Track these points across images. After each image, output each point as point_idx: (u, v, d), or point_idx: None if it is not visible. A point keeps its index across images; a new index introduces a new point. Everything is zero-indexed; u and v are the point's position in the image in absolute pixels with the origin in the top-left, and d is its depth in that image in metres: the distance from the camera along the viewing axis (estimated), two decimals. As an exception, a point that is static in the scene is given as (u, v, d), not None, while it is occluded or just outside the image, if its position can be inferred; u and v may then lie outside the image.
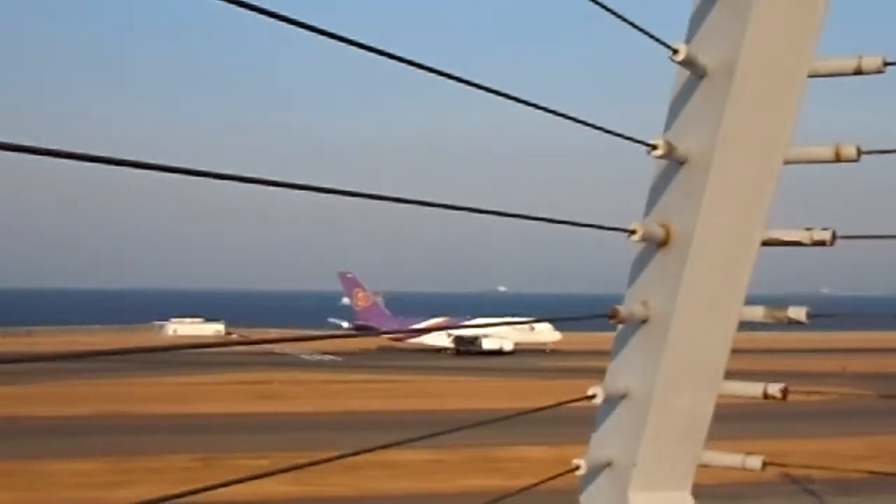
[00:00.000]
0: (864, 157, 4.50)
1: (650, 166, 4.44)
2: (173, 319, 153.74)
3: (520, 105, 3.83)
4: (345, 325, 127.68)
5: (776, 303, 4.69)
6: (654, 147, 4.17)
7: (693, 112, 4.29)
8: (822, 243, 4.50)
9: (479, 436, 42.06)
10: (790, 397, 4.78)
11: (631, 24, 3.89)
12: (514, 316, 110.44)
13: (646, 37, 3.98)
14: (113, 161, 2.49)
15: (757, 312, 4.66)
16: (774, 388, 4.65)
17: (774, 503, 37.66)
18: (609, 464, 4.61)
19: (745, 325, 4.72)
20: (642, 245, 4.44)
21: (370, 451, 4.06)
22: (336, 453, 4.01)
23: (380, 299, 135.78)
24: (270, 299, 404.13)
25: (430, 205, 3.66)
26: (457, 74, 3.50)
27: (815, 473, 40.44)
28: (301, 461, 3.93)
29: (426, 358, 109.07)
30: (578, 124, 4.22)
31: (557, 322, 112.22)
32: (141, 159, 2.53)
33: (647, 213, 4.45)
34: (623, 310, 4.43)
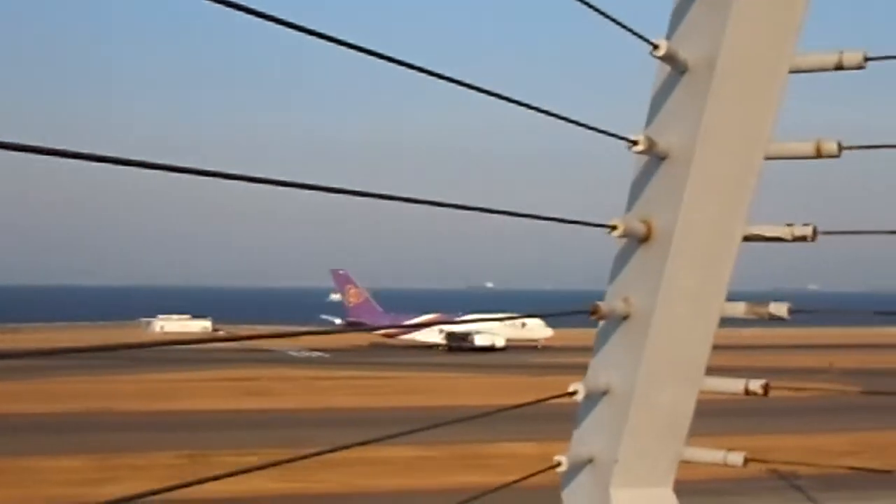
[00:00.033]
0: (844, 152, 4.50)
1: (631, 162, 4.43)
2: (160, 316, 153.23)
3: (503, 102, 3.82)
4: (337, 321, 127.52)
5: (764, 299, 4.68)
6: (635, 143, 4.16)
7: (674, 108, 4.28)
8: (803, 239, 4.50)
9: (466, 432, 42.14)
10: (774, 393, 4.79)
11: (612, 19, 3.87)
12: (501, 312, 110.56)
13: (627, 33, 3.97)
14: (92, 157, 2.47)
15: (738, 308, 4.66)
16: (756, 385, 4.65)
17: (757, 499, 37.81)
18: (591, 460, 4.60)
19: (728, 322, 4.72)
20: (624, 241, 4.43)
21: (347, 447, 4.04)
22: (314, 450, 3.99)
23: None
24: (257, 296, 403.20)
25: (416, 202, 3.64)
26: (442, 73, 3.48)
27: (801, 469, 40.64)
28: (281, 458, 3.92)
29: (417, 354, 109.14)
30: (560, 121, 4.20)
31: (538, 318, 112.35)
32: (128, 157, 2.53)
33: (629, 208, 4.44)
34: (604, 306, 4.41)
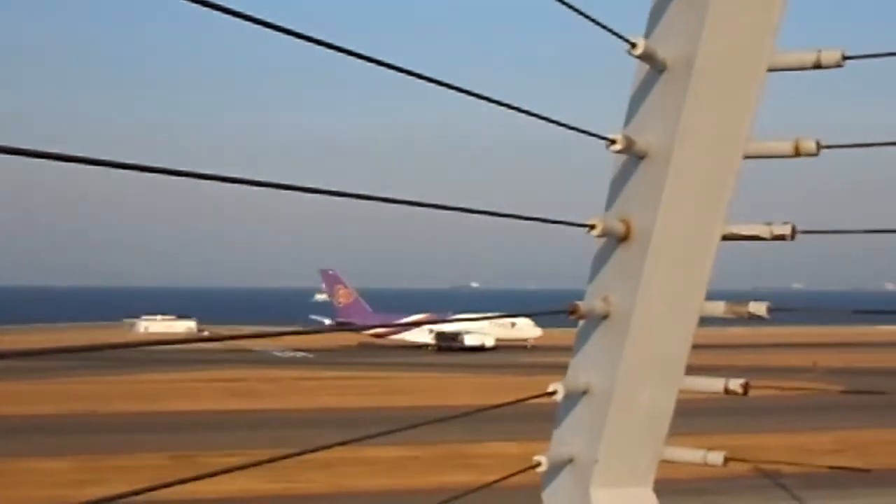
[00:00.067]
0: (823, 151, 4.51)
1: (610, 161, 4.43)
2: (145, 317, 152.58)
3: (483, 102, 3.81)
4: (327, 322, 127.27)
5: (748, 298, 4.69)
6: (613, 142, 4.15)
7: (652, 106, 4.27)
8: (782, 238, 4.50)
9: (453, 432, 42.18)
10: (756, 392, 4.79)
11: (590, 18, 3.87)
12: (486, 312, 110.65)
13: (605, 32, 3.96)
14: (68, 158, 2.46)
15: (718, 308, 4.66)
16: (735, 384, 4.65)
17: (739, 498, 37.91)
18: (570, 460, 4.59)
19: (710, 321, 4.72)
20: (603, 240, 4.43)
21: (327, 447, 4.03)
22: (295, 450, 3.98)
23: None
24: (242, 296, 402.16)
25: (397, 202, 3.62)
26: (422, 73, 3.47)
27: (784, 468, 40.79)
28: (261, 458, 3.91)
29: (406, 355, 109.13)
30: (540, 120, 4.20)
31: (526, 318, 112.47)
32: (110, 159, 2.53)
33: (608, 208, 4.44)
34: (583, 305, 4.41)
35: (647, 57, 4.11)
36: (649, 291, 4.35)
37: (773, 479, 40.30)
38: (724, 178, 4.38)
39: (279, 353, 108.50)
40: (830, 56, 4.33)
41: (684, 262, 4.41)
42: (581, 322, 4.54)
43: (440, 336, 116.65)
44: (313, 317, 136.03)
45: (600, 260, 4.47)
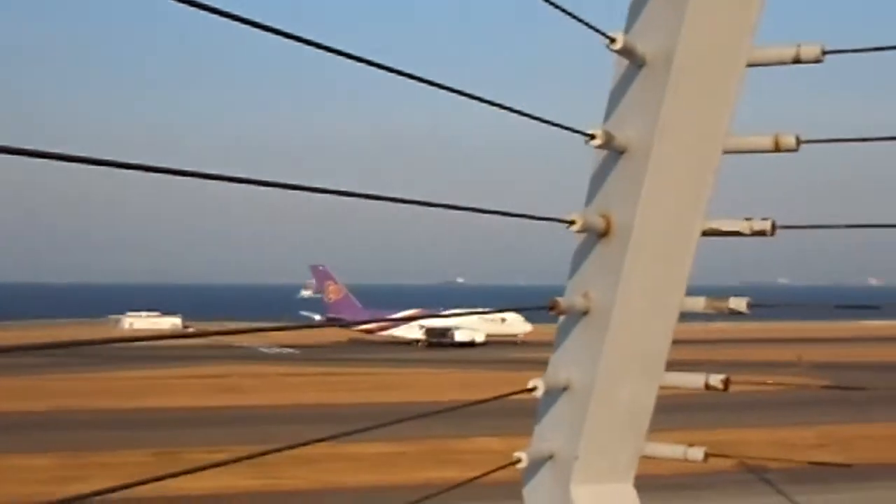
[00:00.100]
0: (802, 146, 4.51)
1: (590, 156, 4.42)
2: (129, 313, 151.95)
3: (464, 98, 3.80)
4: (317, 318, 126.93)
5: (733, 293, 4.69)
6: (593, 137, 4.14)
7: (632, 101, 4.26)
8: (762, 233, 4.50)
9: (439, 427, 42.19)
10: (737, 388, 4.79)
11: (569, 13, 3.86)
12: (473, 307, 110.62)
13: (584, 27, 3.95)
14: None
15: (698, 303, 4.66)
16: (716, 379, 4.66)
17: (722, 494, 38.02)
18: (551, 456, 4.58)
19: (692, 316, 4.72)
20: (583, 236, 4.42)
21: (307, 443, 4.01)
22: (276, 446, 3.97)
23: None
24: (228, 293, 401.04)
25: (380, 199, 3.61)
26: (404, 70, 3.46)
27: (767, 463, 40.96)
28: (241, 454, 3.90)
29: (396, 350, 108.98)
30: (521, 116, 4.19)
31: (515, 313, 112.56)
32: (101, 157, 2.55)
33: (588, 203, 4.43)
34: (563, 301, 4.40)
35: (626, 52, 4.10)
36: (629, 287, 4.34)
37: (755, 474, 40.47)
38: (703, 173, 4.37)
39: (265, 350, 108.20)
40: (810, 51, 4.33)
41: (664, 258, 4.41)
42: (561, 318, 4.53)
43: (430, 332, 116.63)
44: (303, 313, 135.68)
45: (580, 255, 4.46)
